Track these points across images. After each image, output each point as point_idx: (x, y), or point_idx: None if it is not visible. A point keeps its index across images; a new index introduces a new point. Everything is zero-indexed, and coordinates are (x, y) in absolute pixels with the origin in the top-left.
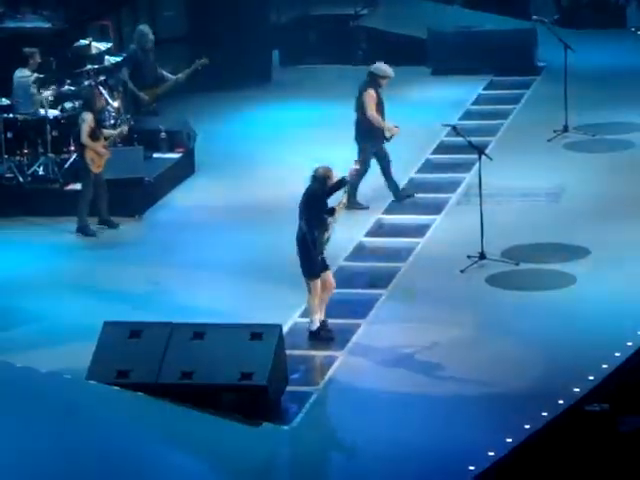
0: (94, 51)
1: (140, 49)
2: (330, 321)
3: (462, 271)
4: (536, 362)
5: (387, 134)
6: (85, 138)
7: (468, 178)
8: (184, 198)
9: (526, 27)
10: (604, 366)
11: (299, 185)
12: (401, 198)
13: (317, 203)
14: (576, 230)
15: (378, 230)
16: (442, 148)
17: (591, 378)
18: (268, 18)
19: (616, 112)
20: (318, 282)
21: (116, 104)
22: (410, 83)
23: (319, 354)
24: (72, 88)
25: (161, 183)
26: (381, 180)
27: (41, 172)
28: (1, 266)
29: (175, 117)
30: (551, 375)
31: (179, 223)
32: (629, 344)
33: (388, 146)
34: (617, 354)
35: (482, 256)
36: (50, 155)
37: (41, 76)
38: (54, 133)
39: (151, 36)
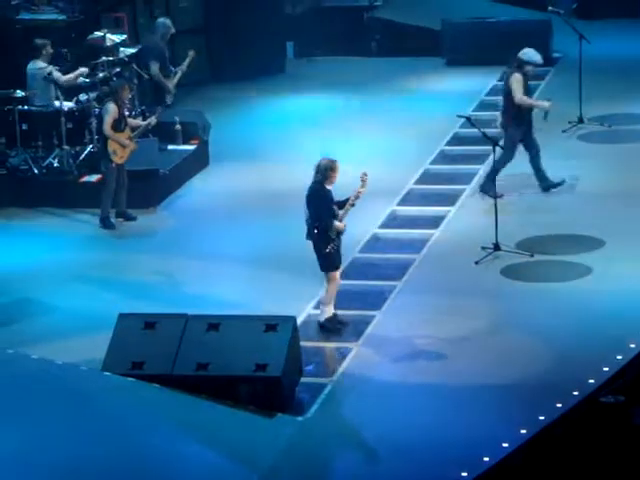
0: (109, 43)
1: (163, 41)
2: (344, 312)
3: (477, 263)
4: (551, 353)
5: (544, 110)
6: (108, 129)
7: (482, 170)
8: (199, 190)
9: (541, 18)
10: (619, 357)
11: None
12: (547, 188)
13: (320, 197)
14: (591, 221)
15: (392, 222)
16: (456, 139)
17: (606, 369)
18: (282, 10)
19: (631, 103)
20: (336, 274)
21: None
22: (424, 74)
23: (333, 346)
24: (87, 80)
25: (176, 175)
26: (394, 171)
27: (56, 164)
28: (16, 258)
29: (189, 109)
30: (566, 366)
31: (194, 215)
32: None
33: (401, 136)
34: (632, 345)
35: (496, 247)
36: (65, 147)
37: (57, 68)
38: (69, 125)
39: (173, 30)
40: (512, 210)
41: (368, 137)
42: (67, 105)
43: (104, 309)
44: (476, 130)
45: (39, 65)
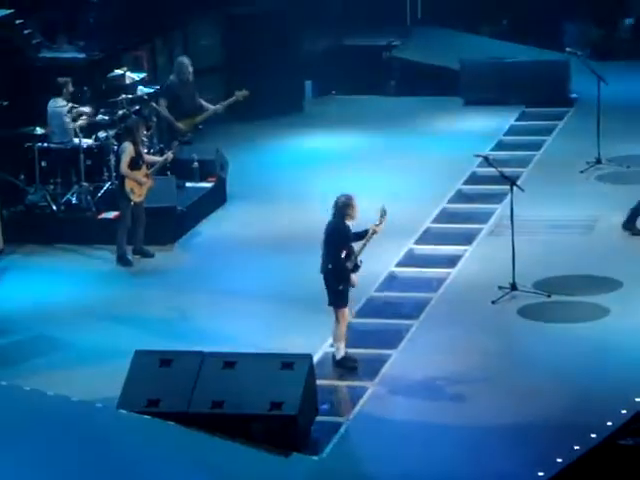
0: (128, 81)
1: (178, 80)
2: (360, 351)
3: (493, 302)
4: (568, 395)
5: None
6: (125, 168)
7: (500, 209)
8: (215, 227)
9: (559, 59)
10: (637, 400)
11: (329, 215)
12: (629, 229)
13: (339, 235)
14: (609, 262)
15: (409, 260)
16: (474, 179)
17: (624, 412)
18: (301, 48)
19: None
20: (345, 311)
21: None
22: (442, 113)
23: (349, 384)
24: (106, 118)
25: (193, 212)
26: (411, 210)
27: (74, 201)
28: (34, 294)
29: (207, 146)
30: (583, 408)
31: (211, 252)
32: None
33: (419, 175)
34: None
35: (514, 287)
36: (83, 184)
37: (76, 106)
38: (88, 162)
39: (190, 68)
40: (529, 250)
41: (386, 176)
42: (86, 142)
43: (120, 346)
44: (494, 170)
45: (59, 103)
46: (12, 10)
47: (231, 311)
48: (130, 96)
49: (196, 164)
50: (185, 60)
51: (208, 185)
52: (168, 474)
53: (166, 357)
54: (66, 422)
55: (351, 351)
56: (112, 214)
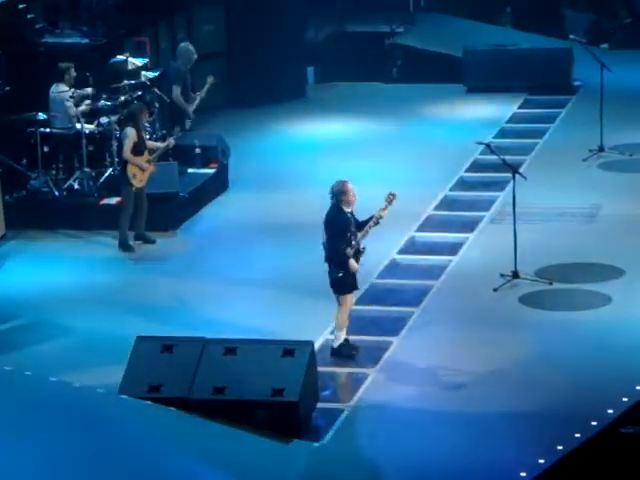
0: (131, 67)
1: (185, 67)
2: (362, 338)
3: (495, 290)
4: (569, 383)
5: None
6: (127, 153)
7: (502, 197)
8: (217, 213)
9: (562, 46)
10: (638, 388)
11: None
12: None
13: (338, 221)
14: (611, 250)
15: (411, 248)
16: (476, 166)
17: (625, 399)
18: (304, 35)
19: None
20: (348, 297)
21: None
22: (445, 101)
23: (350, 371)
24: (108, 103)
25: (195, 198)
26: (413, 197)
27: (76, 186)
28: (36, 280)
29: (209, 133)
30: (584, 396)
31: (212, 238)
32: None
33: (421, 162)
34: None
35: (515, 275)
36: (86, 169)
37: (78, 91)
38: (90, 148)
39: (196, 55)
40: (531, 238)
41: (388, 163)
42: (88, 128)
43: (122, 331)
44: (496, 157)
45: (61, 88)
46: None
47: (233, 297)
48: (132, 82)
49: (198, 150)
50: (191, 47)
51: (210, 171)
52: (169, 459)
53: (168, 343)
54: (67, 407)
55: (352, 338)
56: (114, 200)
